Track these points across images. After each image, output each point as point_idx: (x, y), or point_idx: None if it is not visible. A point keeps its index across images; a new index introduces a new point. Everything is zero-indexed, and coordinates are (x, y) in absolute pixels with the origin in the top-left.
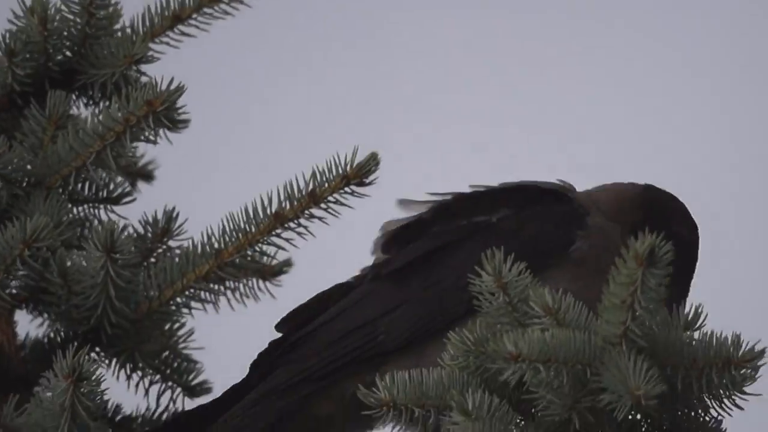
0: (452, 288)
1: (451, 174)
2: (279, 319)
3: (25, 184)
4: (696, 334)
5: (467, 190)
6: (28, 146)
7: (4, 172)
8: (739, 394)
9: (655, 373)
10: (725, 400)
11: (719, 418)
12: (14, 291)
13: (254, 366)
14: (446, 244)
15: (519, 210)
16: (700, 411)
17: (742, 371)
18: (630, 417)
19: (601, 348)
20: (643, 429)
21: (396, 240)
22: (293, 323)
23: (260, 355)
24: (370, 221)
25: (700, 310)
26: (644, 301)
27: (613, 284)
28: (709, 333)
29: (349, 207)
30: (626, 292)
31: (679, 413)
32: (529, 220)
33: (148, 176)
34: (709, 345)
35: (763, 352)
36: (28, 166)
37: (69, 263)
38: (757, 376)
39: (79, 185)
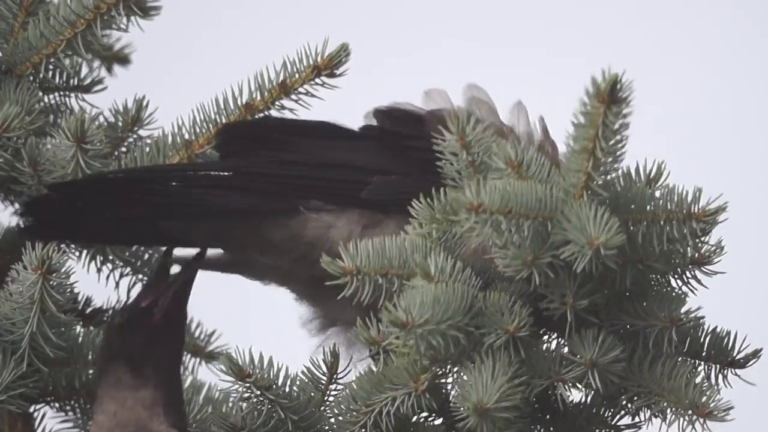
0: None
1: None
2: None
3: None
4: (657, 190)
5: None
6: None
7: None
8: (703, 268)
9: (616, 223)
10: (686, 272)
11: (682, 288)
12: None
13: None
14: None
15: None
16: (667, 277)
17: (702, 224)
18: (589, 270)
19: (562, 200)
20: (599, 285)
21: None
22: None
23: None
24: (340, 114)
25: (663, 167)
26: (605, 143)
27: (575, 129)
28: (670, 187)
29: (320, 99)
30: (588, 135)
31: (640, 267)
32: None
33: (124, 60)
34: (671, 199)
35: (724, 206)
36: None
37: (39, 152)
38: (711, 229)
39: (50, 73)
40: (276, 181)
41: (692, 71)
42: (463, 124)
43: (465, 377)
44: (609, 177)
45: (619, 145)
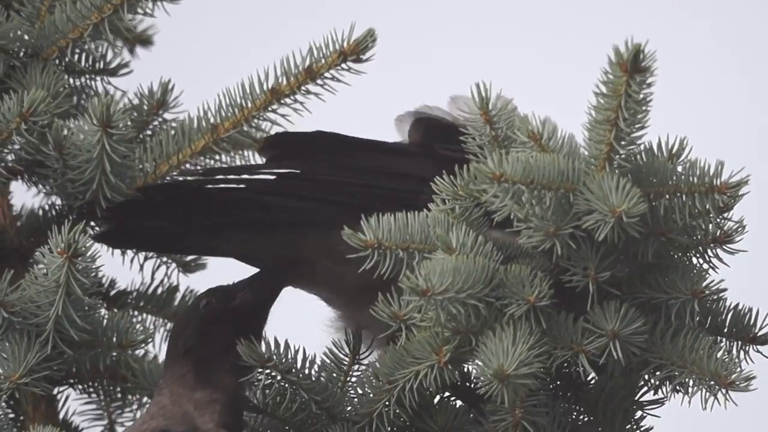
0: None
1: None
2: None
3: (22, 55)
4: (680, 165)
5: None
6: (25, 16)
7: (1, 42)
8: (725, 246)
9: (638, 193)
10: (708, 250)
11: (703, 266)
12: (10, 164)
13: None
14: None
15: None
16: (689, 255)
17: (724, 196)
18: (612, 241)
19: (584, 172)
20: (621, 258)
21: (423, 124)
22: None
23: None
24: (366, 99)
25: (685, 143)
26: (628, 114)
27: (597, 99)
28: (692, 160)
29: (346, 84)
30: (611, 106)
31: (663, 240)
32: None
33: (146, 41)
34: (693, 172)
35: (747, 179)
36: (26, 37)
37: (65, 136)
38: (734, 204)
39: (76, 56)
40: (339, 189)
41: (713, 44)
42: (487, 99)
43: (486, 345)
44: (632, 148)
45: (643, 116)
